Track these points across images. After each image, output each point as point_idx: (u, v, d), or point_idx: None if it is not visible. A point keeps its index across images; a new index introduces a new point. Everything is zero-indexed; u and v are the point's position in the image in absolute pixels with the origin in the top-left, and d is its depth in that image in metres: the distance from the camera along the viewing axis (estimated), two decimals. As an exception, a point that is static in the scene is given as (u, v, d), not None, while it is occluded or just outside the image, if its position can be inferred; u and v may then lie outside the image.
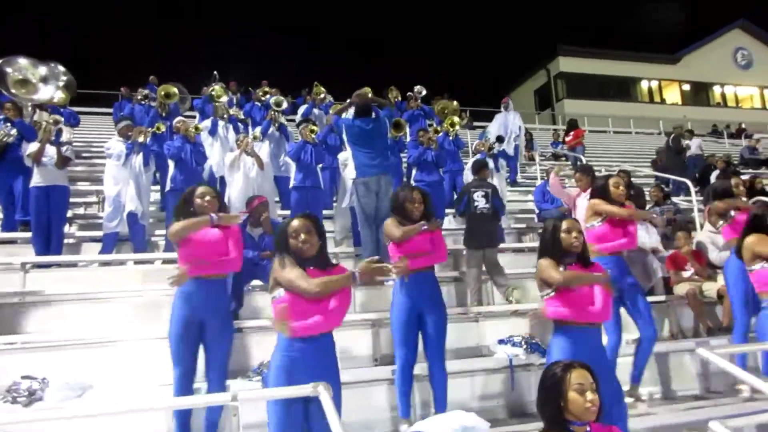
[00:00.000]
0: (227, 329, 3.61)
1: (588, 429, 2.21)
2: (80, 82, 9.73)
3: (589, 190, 5.91)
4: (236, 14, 49.83)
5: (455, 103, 10.55)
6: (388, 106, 6.85)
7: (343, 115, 8.13)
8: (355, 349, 4.64)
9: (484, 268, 5.65)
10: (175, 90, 8.62)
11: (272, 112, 8.06)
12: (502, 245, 6.38)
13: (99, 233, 6.45)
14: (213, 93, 8.08)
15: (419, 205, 3.93)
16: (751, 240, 3.88)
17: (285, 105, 8.28)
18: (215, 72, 11.32)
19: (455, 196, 8.85)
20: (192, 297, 3.46)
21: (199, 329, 3.46)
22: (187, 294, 3.47)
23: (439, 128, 8.56)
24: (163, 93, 8.45)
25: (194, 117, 9.71)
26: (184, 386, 3.40)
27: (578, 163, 13.03)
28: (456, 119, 8.94)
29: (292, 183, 6.89)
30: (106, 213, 6.36)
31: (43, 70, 7.15)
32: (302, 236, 2.75)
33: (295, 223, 2.80)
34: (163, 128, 7.37)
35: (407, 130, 9.96)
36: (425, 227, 3.87)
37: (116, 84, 12.80)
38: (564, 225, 3.17)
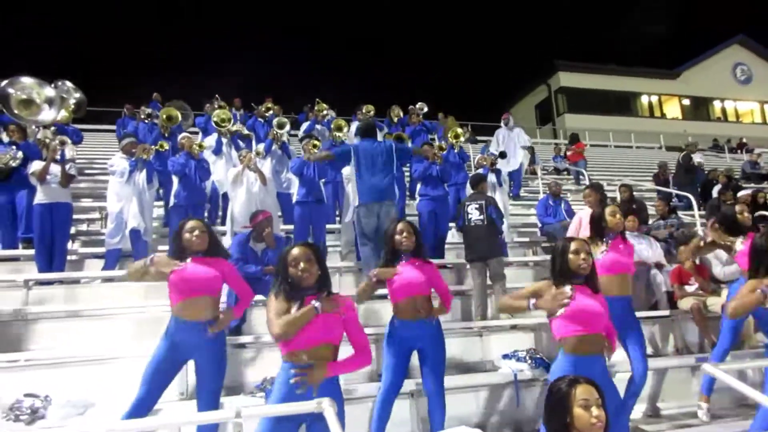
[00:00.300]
0: (220, 360, 3.42)
1: None
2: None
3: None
4: (237, 14, 50.43)
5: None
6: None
7: (342, 136, 8.18)
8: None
9: (489, 281, 5.62)
10: (177, 113, 8.65)
11: (274, 132, 8.09)
12: (505, 259, 6.34)
13: (102, 250, 6.46)
14: (216, 120, 8.10)
15: (408, 235, 3.80)
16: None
17: (287, 128, 8.30)
18: (217, 95, 11.46)
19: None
20: (182, 336, 3.29)
21: (183, 365, 3.37)
22: (175, 331, 3.30)
23: (443, 144, 8.60)
24: (165, 116, 8.49)
25: (198, 133, 9.77)
26: (140, 408, 3.18)
27: (580, 176, 13.09)
28: (459, 131, 8.98)
29: (295, 198, 6.90)
30: (108, 229, 6.37)
31: (50, 92, 7.11)
32: (302, 265, 2.71)
33: (295, 251, 2.75)
34: (166, 146, 7.43)
35: (409, 144, 10.01)
36: (374, 277, 3.74)
37: (119, 100, 12.95)
38: (572, 246, 3.09)
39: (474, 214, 5.68)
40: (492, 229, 5.70)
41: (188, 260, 3.39)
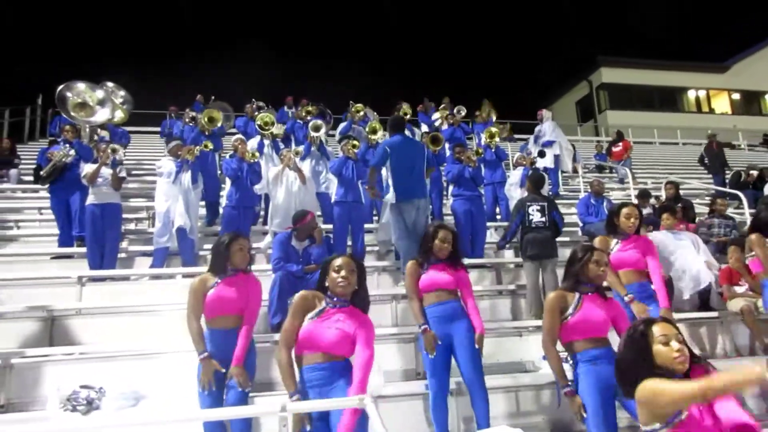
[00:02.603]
0: (249, 368, 3.53)
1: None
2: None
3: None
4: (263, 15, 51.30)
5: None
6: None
7: (378, 139, 8.23)
8: (395, 363, 4.65)
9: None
10: (219, 115, 8.77)
11: (311, 135, 8.15)
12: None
13: (150, 248, 6.70)
14: (260, 123, 8.24)
15: (448, 245, 3.90)
16: None
17: (323, 130, 8.31)
18: (254, 100, 11.68)
19: (497, 209, 8.81)
20: (213, 349, 3.45)
21: (223, 376, 3.44)
22: (208, 342, 3.49)
23: (480, 149, 8.56)
24: (206, 118, 8.64)
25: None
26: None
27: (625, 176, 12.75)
28: (494, 130, 8.90)
29: (333, 198, 6.99)
30: (156, 228, 6.59)
31: (100, 93, 7.50)
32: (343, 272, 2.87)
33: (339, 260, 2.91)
34: (210, 146, 7.60)
35: (446, 146, 9.97)
36: (420, 327, 3.77)
37: (164, 102, 13.38)
38: (594, 256, 3.24)
39: (536, 216, 5.72)
40: (553, 232, 5.80)
41: (219, 280, 3.57)
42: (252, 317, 3.59)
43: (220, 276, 3.59)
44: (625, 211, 4.27)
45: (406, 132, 6.35)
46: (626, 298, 4.05)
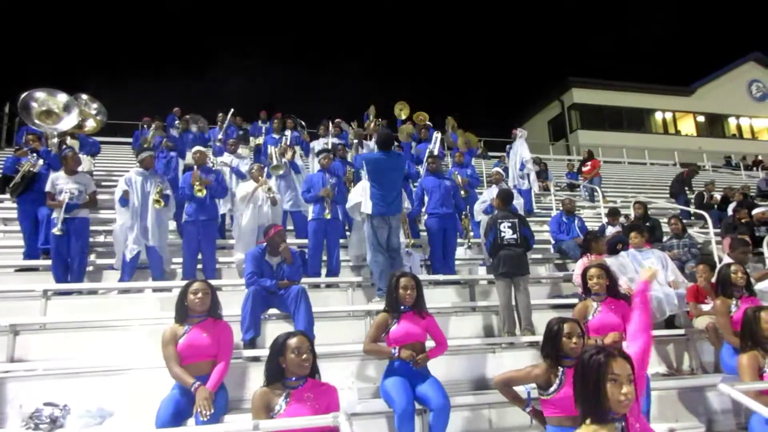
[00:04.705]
0: (220, 409, 3.56)
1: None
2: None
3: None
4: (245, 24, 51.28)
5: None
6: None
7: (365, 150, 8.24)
8: (368, 380, 4.61)
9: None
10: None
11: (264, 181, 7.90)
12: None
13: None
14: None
15: (411, 291, 4.03)
16: (741, 364, 3.73)
17: (280, 171, 7.88)
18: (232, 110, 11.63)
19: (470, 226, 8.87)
20: (184, 396, 3.52)
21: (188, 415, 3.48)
22: (180, 390, 3.54)
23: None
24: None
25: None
26: None
27: (594, 193, 13.02)
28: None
29: (310, 215, 6.94)
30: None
31: (62, 97, 7.26)
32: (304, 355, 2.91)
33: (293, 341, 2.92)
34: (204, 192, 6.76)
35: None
36: (394, 353, 3.89)
37: (135, 112, 13.20)
38: (565, 329, 3.22)
39: (507, 232, 5.76)
40: (524, 248, 5.84)
41: (189, 327, 3.68)
42: (225, 358, 3.68)
43: (188, 323, 3.68)
44: (592, 271, 4.32)
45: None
46: None
